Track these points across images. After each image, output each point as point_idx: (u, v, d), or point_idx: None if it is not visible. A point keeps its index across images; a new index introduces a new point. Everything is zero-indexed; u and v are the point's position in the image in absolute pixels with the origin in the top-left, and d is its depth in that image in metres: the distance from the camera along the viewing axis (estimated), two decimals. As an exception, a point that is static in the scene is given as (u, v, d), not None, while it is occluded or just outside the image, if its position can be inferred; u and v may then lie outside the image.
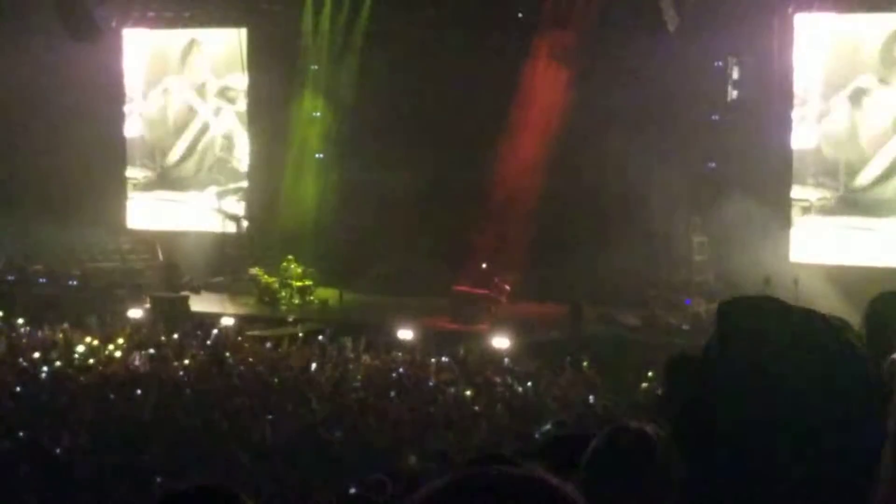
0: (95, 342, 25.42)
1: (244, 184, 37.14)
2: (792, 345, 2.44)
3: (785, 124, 30.89)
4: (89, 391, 20.60)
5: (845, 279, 27.66)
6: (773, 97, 31.26)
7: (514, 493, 2.09)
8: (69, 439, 16.12)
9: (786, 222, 30.81)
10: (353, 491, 11.21)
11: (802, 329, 2.49)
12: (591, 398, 21.10)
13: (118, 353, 24.50)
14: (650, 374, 21.85)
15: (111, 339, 25.89)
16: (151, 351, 24.75)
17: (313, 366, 23.71)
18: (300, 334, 27.92)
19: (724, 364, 2.47)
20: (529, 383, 22.61)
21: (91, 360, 23.65)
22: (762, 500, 2.39)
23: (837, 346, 2.47)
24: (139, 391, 20.46)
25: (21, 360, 23.38)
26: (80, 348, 24.68)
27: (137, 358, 24.09)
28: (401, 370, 23.40)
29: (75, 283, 33.81)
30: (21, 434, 16.44)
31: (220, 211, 36.99)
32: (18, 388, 20.60)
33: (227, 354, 24.81)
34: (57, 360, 23.47)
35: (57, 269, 34.61)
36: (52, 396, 19.89)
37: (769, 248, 29.98)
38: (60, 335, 26.04)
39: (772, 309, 2.55)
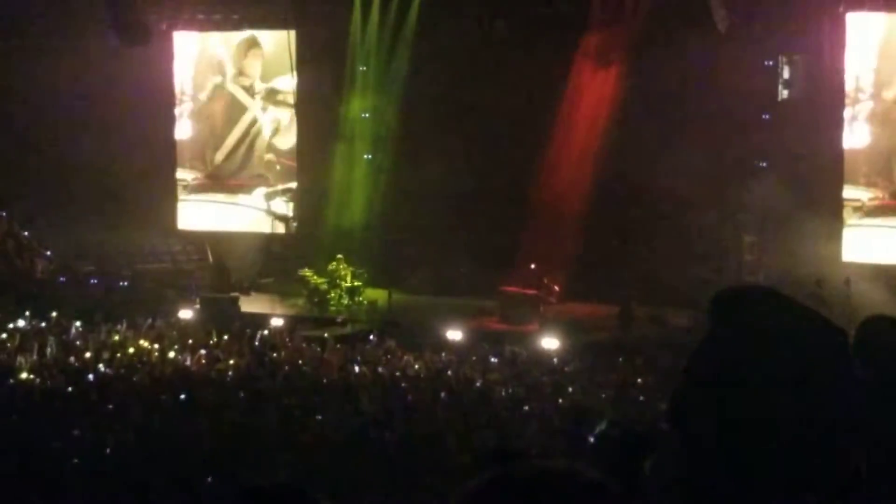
0: (146, 343, 25.53)
1: (293, 185, 37.21)
2: (785, 332, 2.46)
3: (836, 124, 30.69)
4: (140, 392, 20.69)
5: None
6: (825, 96, 31.08)
7: (555, 486, 2.08)
8: (120, 439, 16.19)
9: (837, 222, 30.59)
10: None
11: (796, 318, 2.50)
12: (642, 399, 21.04)
13: (169, 354, 24.59)
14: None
15: (162, 340, 26.00)
16: (202, 351, 24.84)
17: (362, 366, 23.75)
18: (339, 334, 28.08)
19: (716, 350, 2.49)
20: (579, 384, 22.55)
21: (142, 361, 23.75)
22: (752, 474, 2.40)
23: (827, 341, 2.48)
24: (190, 392, 20.53)
25: (72, 360, 23.52)
26: (131, 349, 24.79)
27: (188, 359, 24.20)
28: (449, 371, 23.39)
29: (126, 284, 33.96)
30: (75, 433, 16.56)
31: (269, 212, 37.16)
32: (70, 389, 20.73)
33: (277, 355, 24.89)
34: (108, 360, 23.58)
35: (108, 270, 34.78)
36: (102, 397, 19.98)
37: (820, 248, 29.81)
38: (112, 336, 26.17)
39: (761, 300, 2.57)
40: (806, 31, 30.82)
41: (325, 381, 22.19)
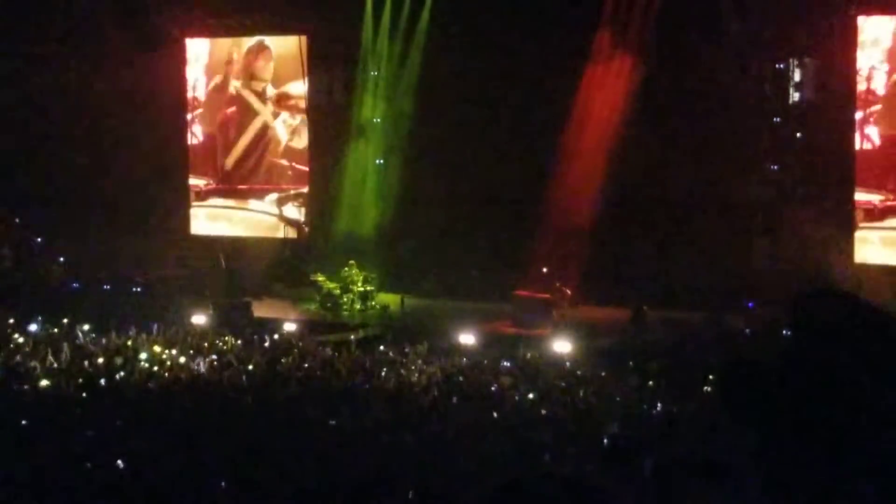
0: (159, 349, 25.57)
1: (305, 190, 37.24)
2: (864, 337, 2.46)
3: (847, 126, 30.64)
4: (154, 397, 20.74)
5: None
6: (835, 99, 31.05)
7: (563, 494, 2.14)
8: (134, 444, 16.22)
9: (849, 224, 30.56)
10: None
11: (874, 322, 2.51)
12: (654, 402, 21.03)
13: (182, 360, 24.63)
14: (711, 377, 21.69)
15: (175, 346, 26.03)
16: (214, 357, 24.87)
17: (375, 371, 23.77)
18: (357, 338, 28.08)
19: (799, 354, 2.49)
20: (592, 388, 22.53)
21: (155, 367, 23.79)
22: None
23: None
24: (203, 397, 20.57)
25: (86, 365, 23.58)
26: (144, 355, 24.83)
27: (201, 364, 24.22)
28: (461, 376, 23.36)
29: (139, 289, 34.01)
30: (89, 433, 16.61)
31: (281, 217, 37.19)
32: (84, 395, 20.78)
33: (289, 360, 24.91)
34: (121, 366, 23.62)
35: (121, 276, 34.85)
36: (116, 402, 20.02)
37: (832, 251, 29.80)
38: (125, 342, 26.21)
39: (845, 303, 2.57)
40: (816, 34, 30.80)
41: (337, 386, 22.21)
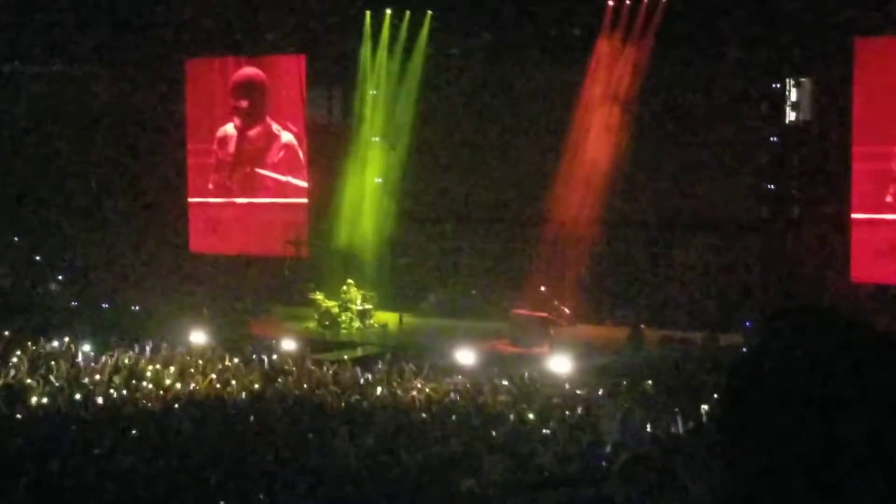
0: (157, 367, 25.57)
1: (304, 202, 37.20)
2: (835, 352, 2.45)
3: (844, 146, 30.68)
4: (151, 415, 20.76)
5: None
6: (832, 119, 31.10)
7: None
8: (131, 462, 16.24)
9: (846, 242, 30.58)
10: None
11: (847, 338, 2.50)
12: (651, 421, 21.02)
13: (180, 378, 24.64)
14: (711, 395, 21.68)
15: (173, 364, 26.03)
16: (213, 375, 24.88)
17: (373, 389, 23.78)
18: (352, 357, 28.11)
19: (763, 369, 2.49)
20: (589, 406, 22.51)
21: (152, 385, 23.80)
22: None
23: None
24: (200, 416, 20.57)
25: (86, 381, 23.62)
26: (147, 372, 24.84)
27: (199, 382, 24.23)
28: (459, 396, 23.34)
29: (137, 307, 33.99)
30: (95, 451, 16.65)
31: (279, 235, 37.13)
32: (81, 412, 20.81)
33: (287, 379, 24.92)
34: (119, 384, 23.64)
35: (119, 293, 34.84)
36: (114, 420, 20.04)
37: (829, 268, 29.83)
38: (123, 360, 26.21)
39: (818, 318, 2.57)
40: (814, 54, 30.87)
41: (334, 404, 22.21)
